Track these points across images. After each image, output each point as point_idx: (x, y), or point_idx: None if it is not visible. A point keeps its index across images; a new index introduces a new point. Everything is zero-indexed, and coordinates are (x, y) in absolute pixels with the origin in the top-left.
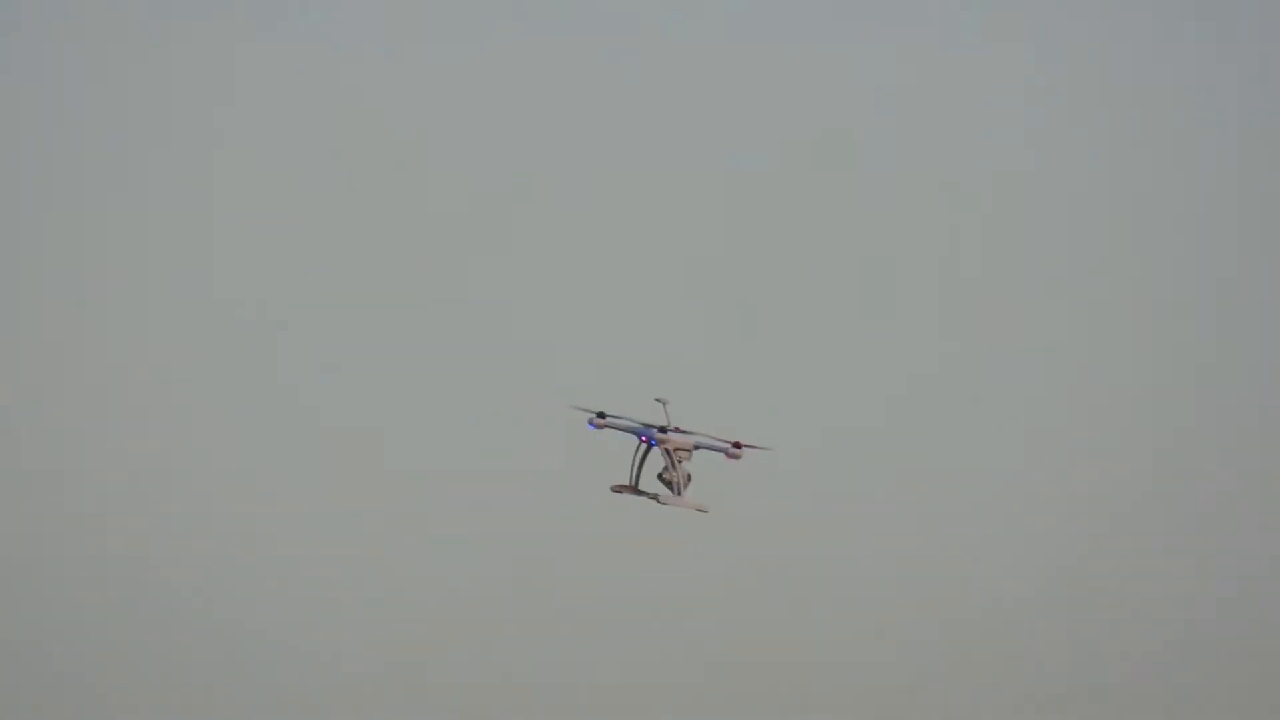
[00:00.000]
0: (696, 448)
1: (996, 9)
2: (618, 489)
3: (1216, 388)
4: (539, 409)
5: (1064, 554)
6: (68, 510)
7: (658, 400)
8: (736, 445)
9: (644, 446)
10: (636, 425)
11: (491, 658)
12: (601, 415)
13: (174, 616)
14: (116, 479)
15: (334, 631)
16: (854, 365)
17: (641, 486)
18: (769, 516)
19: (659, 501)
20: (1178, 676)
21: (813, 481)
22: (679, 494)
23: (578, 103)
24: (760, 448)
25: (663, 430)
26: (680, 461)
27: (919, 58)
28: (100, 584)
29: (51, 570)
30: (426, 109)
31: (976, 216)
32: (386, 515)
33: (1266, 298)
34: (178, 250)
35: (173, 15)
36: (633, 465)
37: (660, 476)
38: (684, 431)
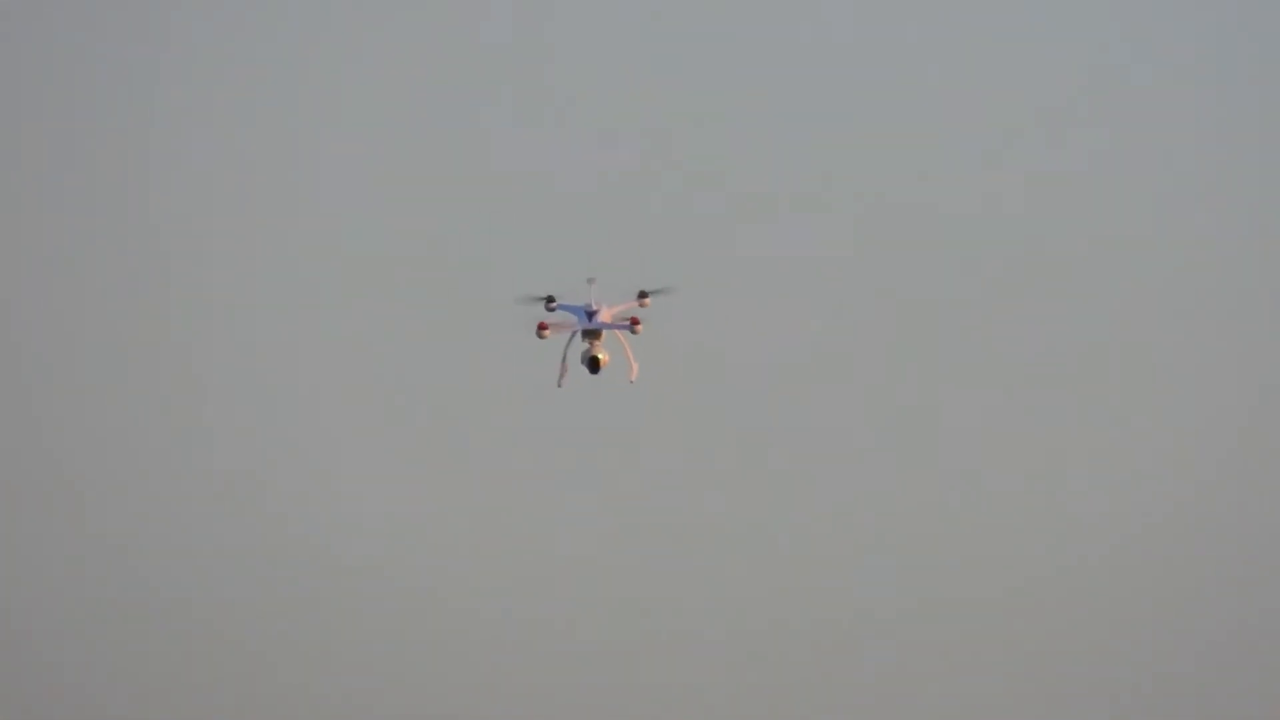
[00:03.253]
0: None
1: None
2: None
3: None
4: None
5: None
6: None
7: (589, 280)
8: (638, 313)
9: (577, 334)
10: (576, 306)
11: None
12: (551, 300)
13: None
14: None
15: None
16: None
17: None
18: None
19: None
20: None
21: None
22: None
23: None
24: (661, 292)
25: (591, 313)
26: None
27: None
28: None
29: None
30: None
31: None
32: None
33: None
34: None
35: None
36: (565, 352)
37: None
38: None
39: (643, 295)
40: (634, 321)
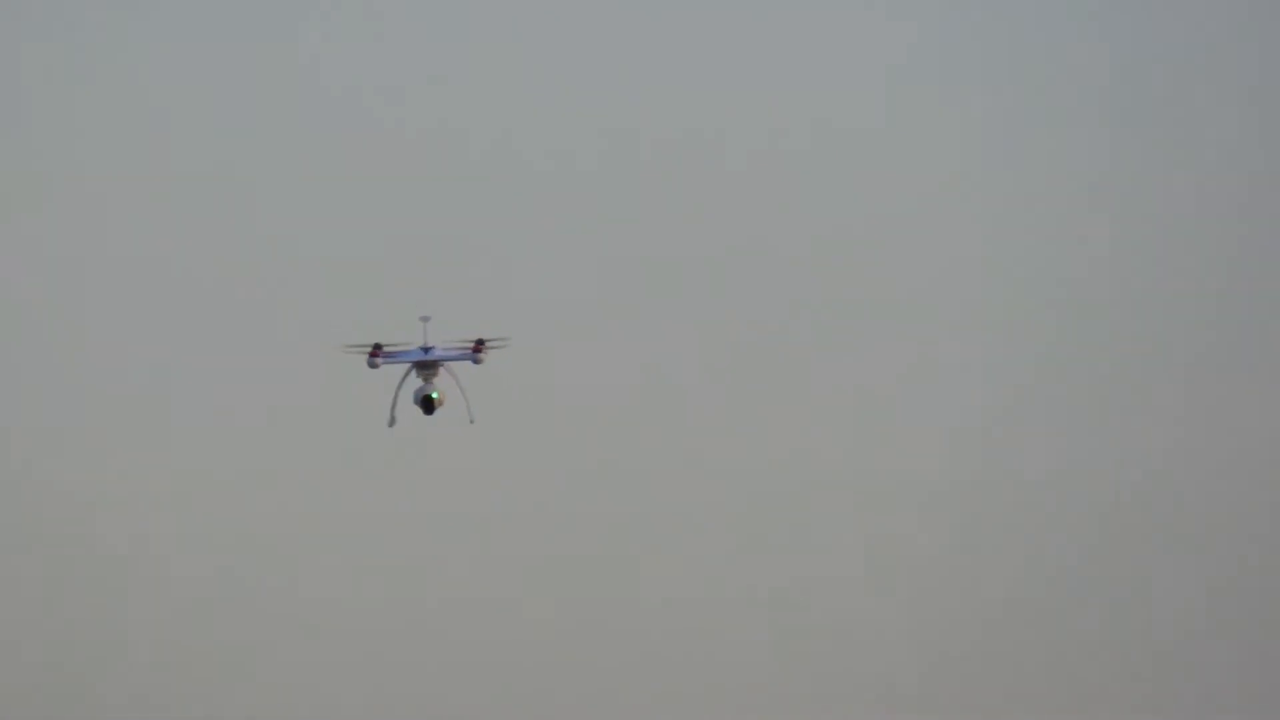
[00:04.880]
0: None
1: None
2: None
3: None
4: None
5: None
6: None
7: (422, 319)
8: (478, 346)
9: (412, 371)
10: (412, 350)
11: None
12: (378, 347)
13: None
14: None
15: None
16: None
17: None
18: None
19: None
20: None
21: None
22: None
23: None
24: (499, 341)
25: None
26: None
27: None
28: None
29: None
30: None
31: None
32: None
33: None
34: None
35: None
36: (397, 392)
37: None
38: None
39: (479, 344)
40: (477, 348)
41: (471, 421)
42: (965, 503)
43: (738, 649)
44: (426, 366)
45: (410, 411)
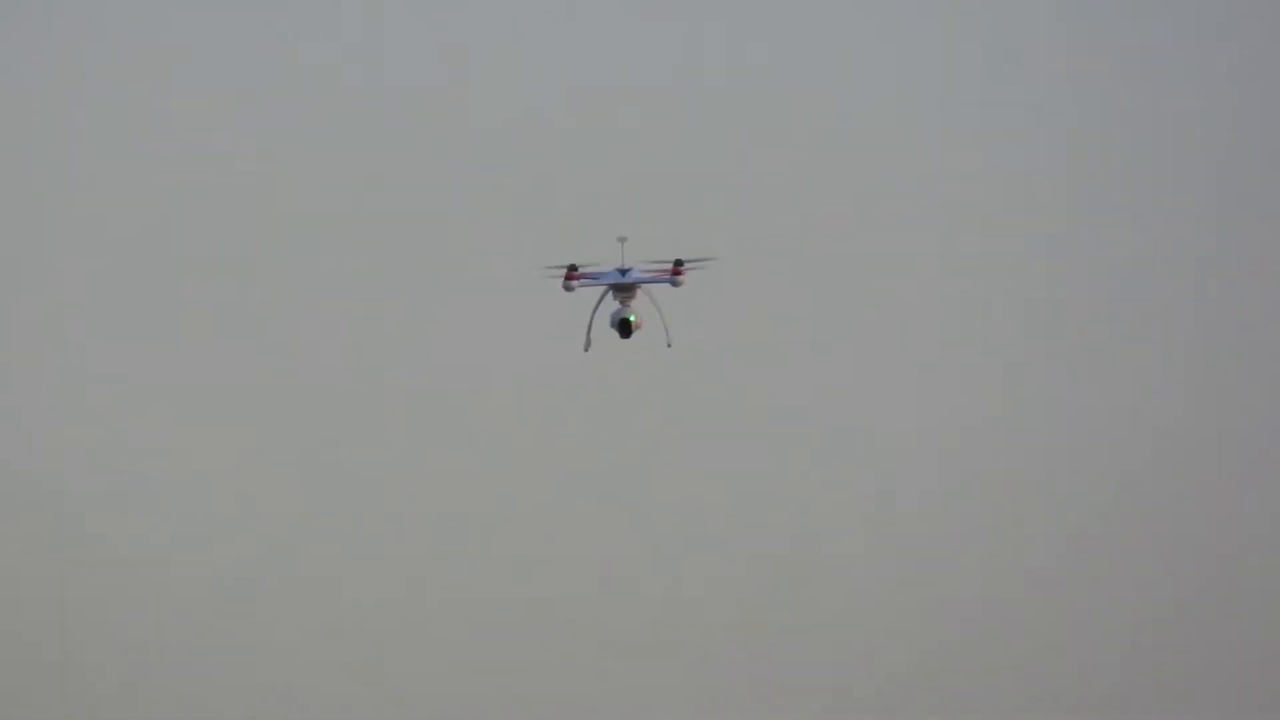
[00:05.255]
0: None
1: None
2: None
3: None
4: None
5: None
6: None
7: (619, 239)
8: (677, 268)
9: (608, 293)
10: (608, 271)
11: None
12: (574, 269)
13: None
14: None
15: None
16: None
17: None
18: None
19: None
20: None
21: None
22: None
23: None
24: (699, 262)
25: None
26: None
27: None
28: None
29: None
30: None
31: None
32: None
33: None
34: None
35: None
36: (593, 315)
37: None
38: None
39: (678, 265)
40: (675, 271)
41: (669, 345)
42: (966, 503)
43: (747, 647)
44: (623, 289)
45: (607, 335)
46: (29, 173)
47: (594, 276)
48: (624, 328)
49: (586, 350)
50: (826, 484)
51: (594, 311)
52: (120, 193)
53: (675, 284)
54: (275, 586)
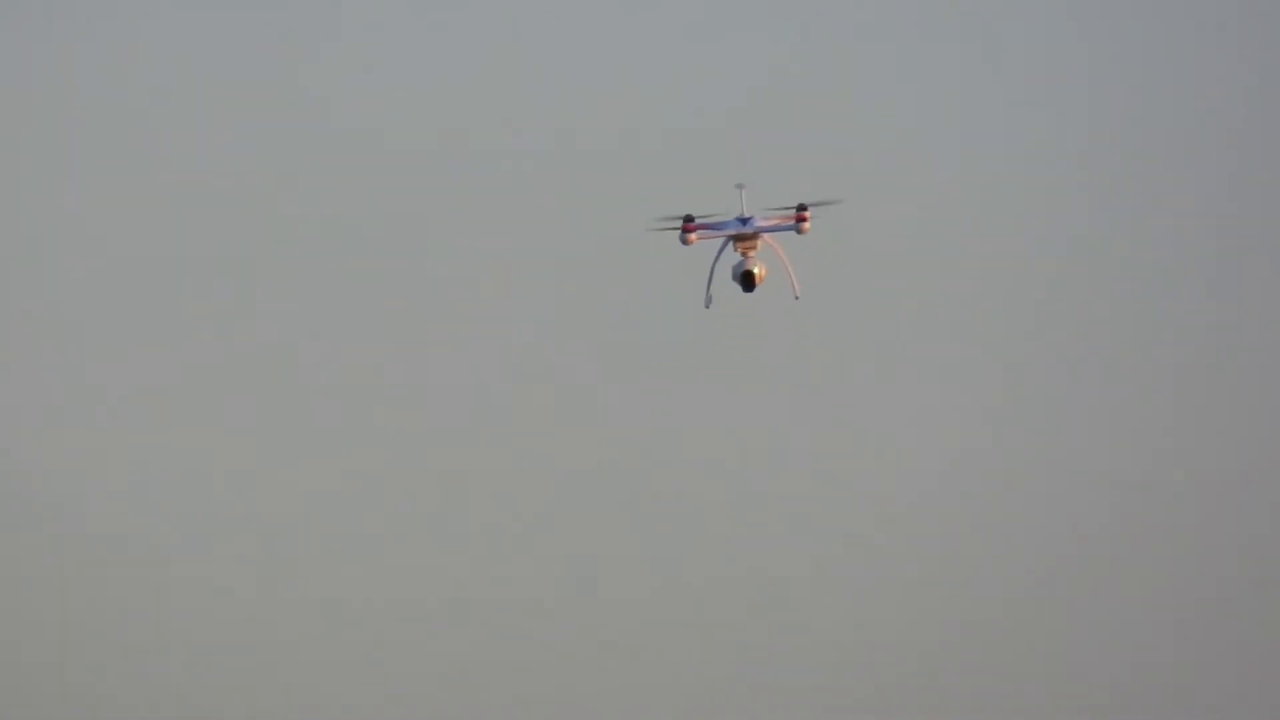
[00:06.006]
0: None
1: None
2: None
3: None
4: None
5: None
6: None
7: (738, 186)
8: (801, 214)
9: (728, 244)
10: (728, 220)
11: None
12: (690, 220)
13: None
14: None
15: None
16: None
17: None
18: None
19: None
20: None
21: None
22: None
23: None
24: (826, 204)
25: (744, 221)
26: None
27: None
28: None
29: None
30: None
31: None
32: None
33: None
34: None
35: None
36: (713, 268)
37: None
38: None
39: (802, 209)
40: (799, 218)
41: (797, 298)
42: (966, 505)
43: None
44: (745, 238)
45: (728, 289)
46: (29, 173)
47: (714, 227)
48: (747, 280)
49: (708, 307)
50: (827, 484)
51: (714, 263)
52: (120, 193)
53: (800, 231)
54: (275, 586)
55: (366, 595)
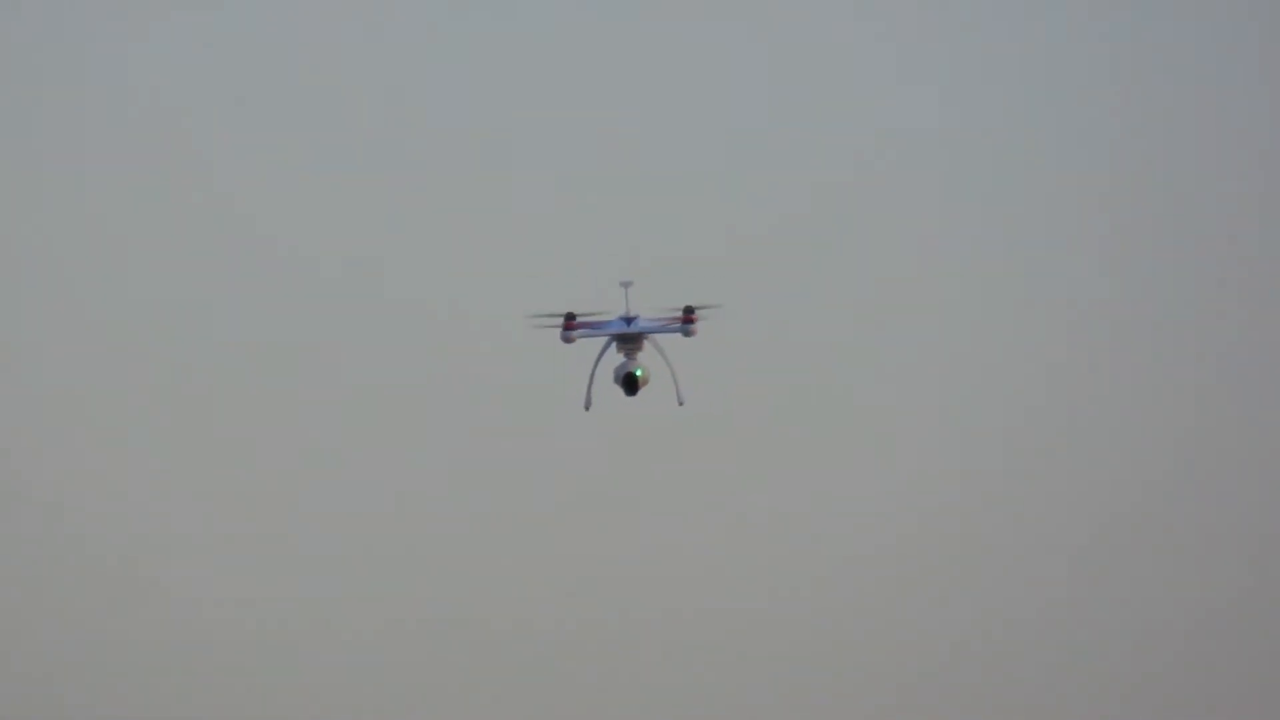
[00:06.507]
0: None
1: None
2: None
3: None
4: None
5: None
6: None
7: (623, 284)
8: (688, 315)
9: (611, 344)
10: (611, 320)
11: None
12: (571, 318)
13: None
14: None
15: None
16: None
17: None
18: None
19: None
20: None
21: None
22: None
23: None
24: (709, 308)
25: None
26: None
27: None
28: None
29: None
30: None
31: None
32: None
33: None
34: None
35: None
36: (594, 370)
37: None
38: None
39: (689, 311)
40: (687, 319)
41: (680, 404)
42: (966, 506)
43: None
44: (628, 339)
45: (609, 392)
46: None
47: (595, 326)
48: (629, 383)
49: (587, 409)
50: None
51: (595, 364)
52: (119, 193)
53: (687, 333)
54: (274, 586)
55: (351, 607)
